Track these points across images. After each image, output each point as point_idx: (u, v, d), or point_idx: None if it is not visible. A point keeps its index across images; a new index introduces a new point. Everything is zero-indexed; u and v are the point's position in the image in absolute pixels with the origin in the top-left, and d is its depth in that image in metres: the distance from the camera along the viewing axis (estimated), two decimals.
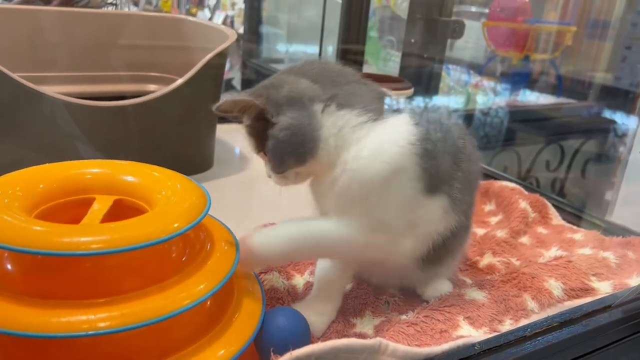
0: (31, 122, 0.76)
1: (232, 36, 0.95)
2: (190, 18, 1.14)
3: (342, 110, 0.51)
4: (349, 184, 0.50)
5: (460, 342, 0.50)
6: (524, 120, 1.83)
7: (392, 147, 0.49)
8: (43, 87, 0.74)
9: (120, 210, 0.49)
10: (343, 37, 1.36)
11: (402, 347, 0.46)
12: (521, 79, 1.96)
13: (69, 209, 0.48)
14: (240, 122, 0.54)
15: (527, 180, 1.71)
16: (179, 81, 0.83)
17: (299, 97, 0.50)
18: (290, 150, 0.51)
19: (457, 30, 1.28)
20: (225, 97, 0.50)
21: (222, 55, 0.92)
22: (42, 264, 0.42)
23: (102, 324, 0.39)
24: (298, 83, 0.51)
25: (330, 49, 1.44)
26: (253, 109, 0.51)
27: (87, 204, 0.48)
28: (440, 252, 0.55)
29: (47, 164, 0.50)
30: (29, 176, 0.48)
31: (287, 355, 0.41)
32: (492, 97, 1.85)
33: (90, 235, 0.41)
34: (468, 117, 1.76)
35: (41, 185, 0.47)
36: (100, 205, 0.48)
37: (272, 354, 0.43)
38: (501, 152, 1.75)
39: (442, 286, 0.61)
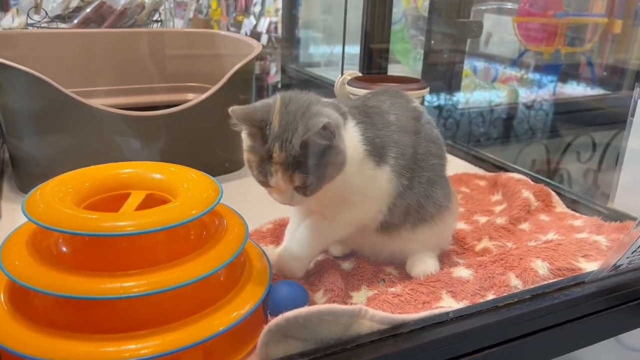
0: (77, 125, 0.89)
1: (257, 48, 1.06)
2: (222, 32, 1.26)
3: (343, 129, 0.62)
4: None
5: (437, 310, 0.58)
6: (556, 113, 1.85)
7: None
8: (90, 100, 0.87)
9: (152, 202, 0.60)
10: (367, 38, 1.44)
11: (381, 313, 0.54)
12: (553, 72, 1.98)
13: (110, 202, 0.59)
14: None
15: (557, 173, 1.73)
16: (208, 93, 0.95)
17: (338, 126, 0.60)
18: (332, 173, 0.60)
19: (476, 30, 1.34)
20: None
21: (249, 65, 1.03)
22: (88, 244, 0.53)
23: (135, 289, 0.50)
24: (331, 113, 0.61)
25: (356, 49, 1.52)
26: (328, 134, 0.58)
27: (124, 197, 0.59)
28: (395, 215, 0.68)
29: (92, 166, 0.62)
30: (78, 176, 0.60)
31: (280, 316, 0.51)
32: (521, 92, 1.88)
33: (125, 221, 0.52)
34: (498, 112, 1.80)
35: (87, 183, 0.59)
36: (135, 198, 0.59)
37: (269, 315, 0.52)
38: (530, 145, 1.78)
39: (427, 265, 0.69)
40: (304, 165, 0.58)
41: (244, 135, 0.62)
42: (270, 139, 0.58)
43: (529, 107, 1.84)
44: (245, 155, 0.61)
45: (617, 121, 1.75)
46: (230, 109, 0.59)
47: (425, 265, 0.69)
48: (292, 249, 0.68)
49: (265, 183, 0.60)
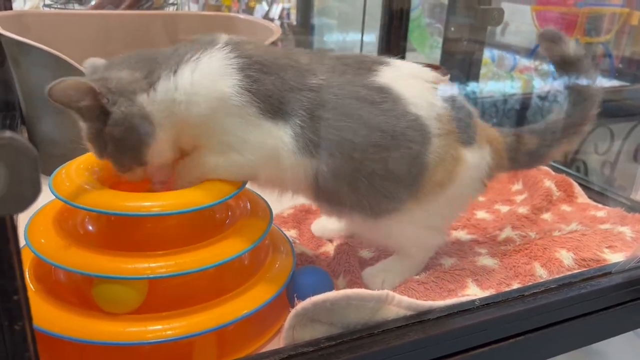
0: None
1: (276, 31, 1.05)
2: (241, 15, 1.24)
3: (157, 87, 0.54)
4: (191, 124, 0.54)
5: (463, 298, 0.57)
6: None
7: (208, 82, 0.53)
8: None
9: None
10: (385, 26, 1.42)
11: (407, 299, 0.54)
12: None
13: (134, 183, 0.59)
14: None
15: (574, 164, 1.71)
16: None
17: (124, 89, 0.52)
18: (128, 145, 0.53)
19: (497, 18, 1.32)
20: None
21: None
22: (113, 223, 0.53)
23: (161, 270, 0.49)
24: (121, 75, 0.53)
25: (371, 37, 1.50)
26: (91, 97, 0.51)
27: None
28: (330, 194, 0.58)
29: None
30: None
31: (307, 300, 0.50)
32: (538, 82, 1.86)
33: (152, 201, 0.52)
34: (514, 102, 1.78)
35: None
36: None
37: (295, 299, 0.52)
38: None
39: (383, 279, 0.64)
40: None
41: None
42: None
43: (544, 97, 1.81)
44: None
45: (636, 113, 1.73)
46: None
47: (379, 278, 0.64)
48: None
49: None
